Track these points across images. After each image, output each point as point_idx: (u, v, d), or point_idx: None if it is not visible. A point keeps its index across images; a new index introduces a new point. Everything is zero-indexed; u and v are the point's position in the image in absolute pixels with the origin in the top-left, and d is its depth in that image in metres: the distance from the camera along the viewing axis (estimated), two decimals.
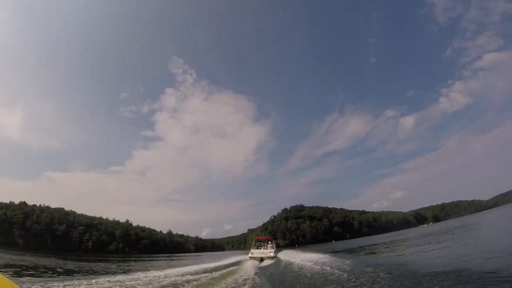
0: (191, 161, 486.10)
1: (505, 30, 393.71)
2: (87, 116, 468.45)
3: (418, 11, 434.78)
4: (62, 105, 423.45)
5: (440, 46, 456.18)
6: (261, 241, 50.78)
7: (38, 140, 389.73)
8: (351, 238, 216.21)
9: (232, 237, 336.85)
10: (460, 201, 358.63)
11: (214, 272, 22.37)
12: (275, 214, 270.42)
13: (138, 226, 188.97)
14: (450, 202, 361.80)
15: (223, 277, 20.58)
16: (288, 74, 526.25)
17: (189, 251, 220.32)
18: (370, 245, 55.54)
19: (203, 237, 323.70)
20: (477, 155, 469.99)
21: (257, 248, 44.05)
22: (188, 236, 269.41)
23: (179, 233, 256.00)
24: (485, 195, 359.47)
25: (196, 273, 22.53)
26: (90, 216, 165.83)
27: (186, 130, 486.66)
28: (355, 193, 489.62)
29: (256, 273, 22.01)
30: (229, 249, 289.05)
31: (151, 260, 75.54)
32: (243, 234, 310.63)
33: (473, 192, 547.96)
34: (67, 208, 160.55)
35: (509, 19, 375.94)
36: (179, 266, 33.32)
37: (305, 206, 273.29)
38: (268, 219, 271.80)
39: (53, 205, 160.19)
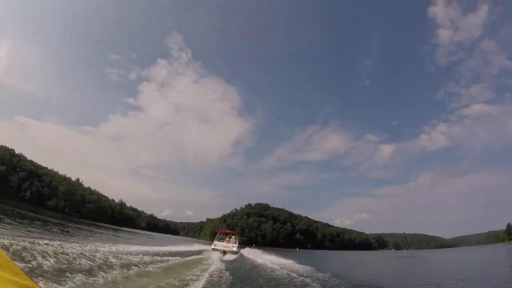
0: (167, 139, 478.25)
1: (499, 84, 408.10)
2: (72, 68, 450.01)
3: (421, 47, 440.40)
4: (49, 52, 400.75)
5: (434, 86, 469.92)
6: (225, 234, 50.83)
7: (17, 81, 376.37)
8: (312, 248, 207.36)
9: (190, 223, 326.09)
10: (422, 234, 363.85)
11: (180, 258, 23.04)
12: (238, 208, 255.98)
13: (88, 188, 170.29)
14: (413, 234, 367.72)
15: (191, 265, 20.70)
16: (281, 77, 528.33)
17: (139, 227, 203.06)
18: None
19: (162, 218, 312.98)
20: (446, 196, 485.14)
21: (220, 241, 43.41)
22: (142, 212, 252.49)
23: (133, 206, 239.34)
24: (447, 234, 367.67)
25: (159, 254, 22.34)
26: (37, 164, 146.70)
27: (170, 107, 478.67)
28: (321, 206, 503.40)
29: (227, 269, 21.04)
30: (184, 235, 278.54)
31: (96, 228, 70.11)
32: (201, 222, 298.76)
33: (435, 229, 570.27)
34: (19, 153, 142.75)
35: (505, 75, 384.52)
36: (129, 243, 31.85)
37: (271, 206, 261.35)
38: (229, 212, 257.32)
39: (17, 151, 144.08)
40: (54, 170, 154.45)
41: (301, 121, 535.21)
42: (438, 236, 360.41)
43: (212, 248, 38.18)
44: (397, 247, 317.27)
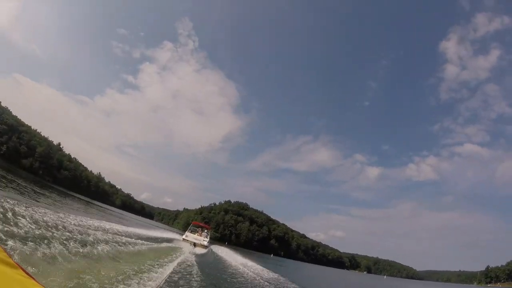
0: (159, 123, 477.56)
1: (495, 129, 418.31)
2: (78, 35, 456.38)
3: (426, 78, 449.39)
4: (58, 15, 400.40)
5: (431, 119, 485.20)
6: (198, 226, 50.19)
7: (21, 38, 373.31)
8: (285, 257, 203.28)
9: (166, 210, 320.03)
10: (395, 261, 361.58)
11: (151, 243, 22.92)
12: (216, 203, 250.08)
13: (68, 155, 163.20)
14: (385, 260, 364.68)
15: (162, 253, 20.30)
16: (282, 81, 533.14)
17: (113, 205, 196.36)
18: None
19: (140, 200, 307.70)
20: (422, 229, 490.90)
21: (191, 233, 43.06)
22: (119, 190, 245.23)
23: (111, 182, 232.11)
24: (418, 266, 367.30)
25: (128, 236, 21.53)
26: (20, 121, 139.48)
27: (167, 92, 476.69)
28: (298, 216, 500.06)
29: (197, 263, 20.95)
30: (158, 220, 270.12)
31: (67, 197, 66.14)
32: (177, 210, 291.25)
33: (407, 258, 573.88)
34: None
35: (503, 121, 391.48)
36: (99, 219, 30.71)
37: (250, 207, 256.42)
38: (207, 205, 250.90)
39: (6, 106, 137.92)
40: (37, 130, 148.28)
41: (293, 129, 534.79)
42: (409, 266, 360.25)
43: (183, 239, 38.16)
44: (369, 270, 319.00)
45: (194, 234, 42.61)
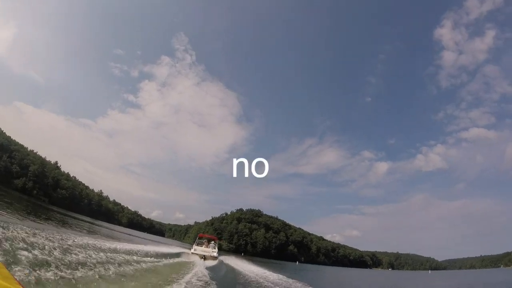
0: (162, 140, 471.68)
1: (499, 110, 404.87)
2: (76, 58, 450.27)
3: (425, 67, 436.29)
4: (54, 37, 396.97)
5: (434, 107, 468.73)
6: (204, 238, 49.91)
7: (19, 65, 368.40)
8: (305, 262, 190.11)
9: (177, 225, 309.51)
10: (415, 255, 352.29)
11: (159, 259, 21.86)
12: (228, 212, 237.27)
13: (66, 174, 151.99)
14: (406, 254, 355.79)
15: (172, 269, 19.98)
16: (282, 87, 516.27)
17: (119, 224, 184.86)
18: None
19: (151, 218, 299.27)
20: (438, 219, 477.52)
21: (198, 245, 41.87)
22: (125, 208, 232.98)
23: (116, 200, 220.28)
24: (438, 256, 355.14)
25: (136, 254, 20.95)
26: (11, 139, 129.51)
27: (168, 107, 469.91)
28: (311, 220, 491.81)
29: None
30: (169, 237, 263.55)
31: (66, 217, 63.73)
32: (188, 225, 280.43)
33: (427, 250, 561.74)
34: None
35: (506, 101, 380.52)
36: (103, 238, 29.70)
37: (264, 213, 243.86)
38: (219, 215, 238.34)
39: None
40: (32, 150, 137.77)
41: (298, 133, 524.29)
42: (431, 257, 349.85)
43: (192, 252, 37.08)
44: (392, 266, 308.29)
45: (201, 246, 41.49)
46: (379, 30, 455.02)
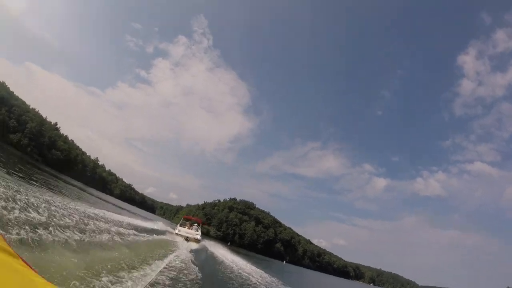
0: (169, 119, 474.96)
1: (508, 150, 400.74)
2: (92, 26, 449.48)
3: (442, 91, 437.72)
4: (73, 4, 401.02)
5: (443, 134, 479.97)
6: (188, 220, 50.68)
7: (35, 25, 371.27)
8: (290, 262, 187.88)
9: (169, 205, 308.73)
10: (397, 275, 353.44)
11: (145, 235, 21.96)
12: (221, 200, 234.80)
13: (64, 136, 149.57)
14: (389, 272, 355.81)
15: (156, 246, 19.77)
16: (293, 86, 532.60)
17: (111, 194, 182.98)
18: None
19: (146, 194, 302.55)
20: (426, 244, 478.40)
21: (181, 226, 42.58)
22: (120, 179, 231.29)
23: (112, 170, 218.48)
24: (419, 281, 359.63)
25: (121, 225, 20.94)
26: (13, 94, 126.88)
27: (179, 88, 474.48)
28: (301, 222, 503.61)
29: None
30: (159, 215, 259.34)
31: (58, 181, 59.46)
32: (180, 206, 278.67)
33: (409, 272, 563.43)
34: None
35: None
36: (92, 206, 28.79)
37: (256, 206, 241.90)
38: (211, 201, 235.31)
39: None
40: (34, 108, 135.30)
41: (303, 135, 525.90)
42: (412, 280, 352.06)
43: (176, 233, 37.57)
44: (373, 281, 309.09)
45: (184, 228, 41.56)
46: (401, 44, 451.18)
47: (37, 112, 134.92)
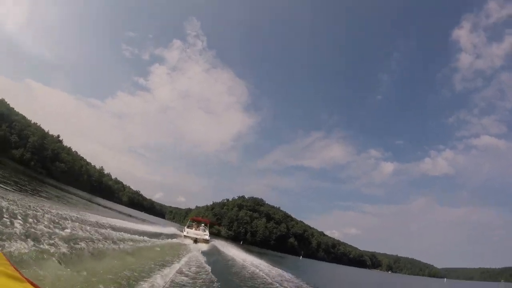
0: (169, 124, 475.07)
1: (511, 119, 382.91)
2: (88, 39, 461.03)
3: (440, 69, 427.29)
4: (67, 15, 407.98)
5: (446, 111, 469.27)
6: (195, 221, 50.14)
7: (31, 42, 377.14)
8: (305, 256, 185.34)
9: (178, 208, 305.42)
10: (415, 259, 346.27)
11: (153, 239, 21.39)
12: (229, 198, 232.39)
13: (67, 148, 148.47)
14: (405, 258, 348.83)
15: (166, 250, 19.53)
16: (293, 79, 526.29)
17: (119, 202, 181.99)
18: None
19: (155, 200, 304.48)
20: (438, 225, 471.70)
21: (189, 228, 41.88)
22: (127, 186, 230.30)
23: (118, 178, 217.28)
24: (438, 263, 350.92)
25: (131, 232, 20.39)
26: (13, 110, 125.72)
27: (176, 92, 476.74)
28: (310, 214, 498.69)
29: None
30: (169, 219, 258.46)
31: (64, 192, 59.98)
32: (189, 208, 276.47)
33: (426, 255, 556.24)
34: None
35: None
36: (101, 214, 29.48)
37: (266, 203, 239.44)
38: (220, 201, 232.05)
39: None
40: (35, 122, 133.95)
41: (305, 126, 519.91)
42: (430, 263, 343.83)
43: (184, 236, 36.54)
44: (390, 269, 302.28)
45: (191, 229, 41.04)
46: (394, 27, 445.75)
47: (39, 126, 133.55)
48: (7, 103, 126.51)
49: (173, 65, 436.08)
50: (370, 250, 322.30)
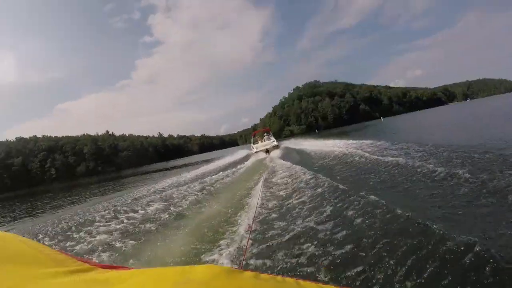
0: (197, 59, 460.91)
1: None
2: (78, 40, 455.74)
3: None
4: (48, 38, 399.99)
5: None
6: (257, 135, 45.51)
7: (38, 75, 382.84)
8: (382, 116, 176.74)
9: (245, 130, 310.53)
10: (487, 79, 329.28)
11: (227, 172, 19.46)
12: (286, 96, 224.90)
13: (121, 136, 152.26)
14: (476, 80, 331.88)
15: (245, 176, 17.08)
16: None
17: (192, 153, 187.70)
18: None
19: (221, 134, 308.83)
20: (497, 34, 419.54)
21: (255, 143, 37.20)
22: (192, 136, 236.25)
23: (180, 134, 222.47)
24: (509, 76, 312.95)
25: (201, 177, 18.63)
26: (54, 138, 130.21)
27: (185, 27, 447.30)
28: (368, 73, 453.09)
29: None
30: (242, 143, 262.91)
31: (129, 177, 54.61)
32: (255, 125, 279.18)
33: (495, 72, 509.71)
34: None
35: None
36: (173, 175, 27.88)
37: (321, 82, 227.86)
38: (278, 103, 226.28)
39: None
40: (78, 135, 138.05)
41: None
42: (504, 78, 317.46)
43: (255, 152, 33.09)
44: (466, 97, 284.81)
45: (257, 143, 37.29)
46: None
47: (86, 134, 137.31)
48: (48, 135, 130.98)
49: (166, 6, 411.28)
50: (440, 85, 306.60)
